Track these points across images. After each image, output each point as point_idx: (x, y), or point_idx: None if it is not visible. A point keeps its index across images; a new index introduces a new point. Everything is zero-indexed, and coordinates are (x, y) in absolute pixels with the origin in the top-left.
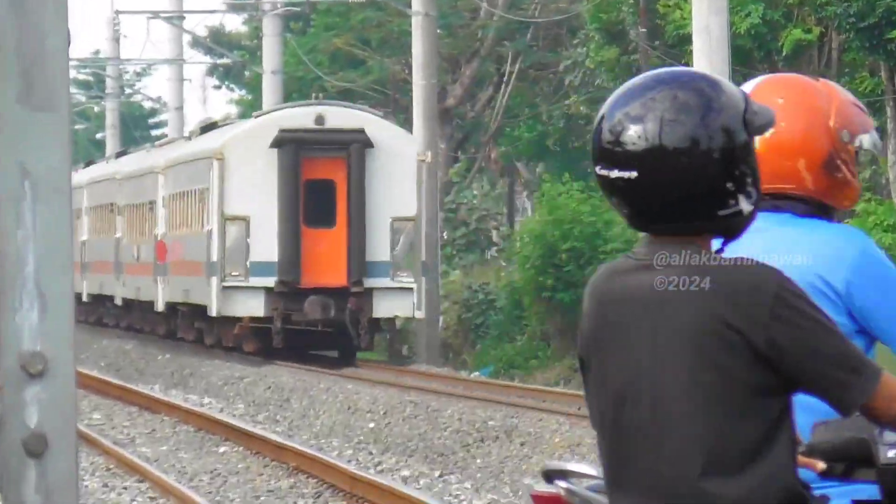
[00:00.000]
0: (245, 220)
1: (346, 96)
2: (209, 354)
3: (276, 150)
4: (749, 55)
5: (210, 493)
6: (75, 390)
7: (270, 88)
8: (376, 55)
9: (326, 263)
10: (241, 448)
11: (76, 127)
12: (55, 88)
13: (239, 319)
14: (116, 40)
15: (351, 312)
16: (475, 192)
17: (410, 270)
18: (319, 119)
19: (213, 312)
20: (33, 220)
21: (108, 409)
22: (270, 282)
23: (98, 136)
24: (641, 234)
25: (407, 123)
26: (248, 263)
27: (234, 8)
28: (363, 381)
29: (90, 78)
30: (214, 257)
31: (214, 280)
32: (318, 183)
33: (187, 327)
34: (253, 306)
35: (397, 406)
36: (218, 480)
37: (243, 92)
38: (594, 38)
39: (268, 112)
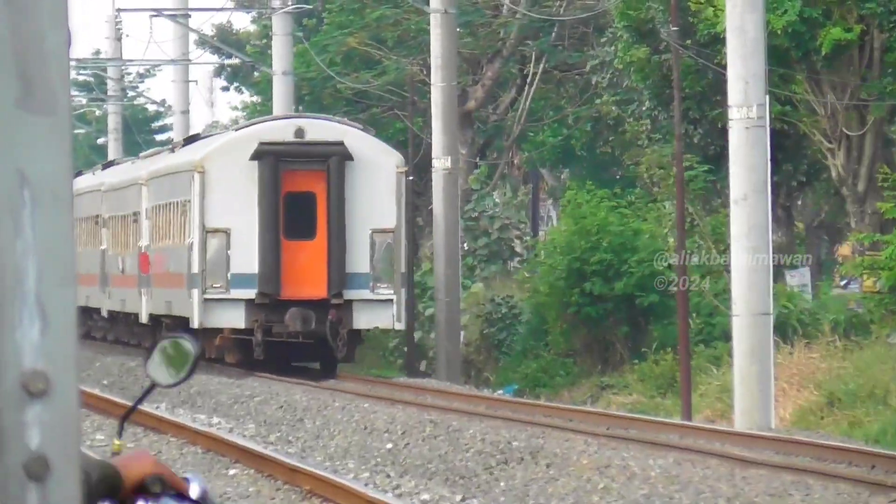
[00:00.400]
0: (226, 233)
1: (361, 98)
2: (218, 372)
3: (256, 163)
4: (786, 55)
5: None
6: (79, 410)
7: (281, 90)
8: (392, 55)
9: (307, 275)
10: (251, 470)
11: (76, 131)
12: (55, 90)
13: (220, 331)
14: (118, 39)
15: (331, 324)
16: (497, 200)
17: (390, 282)
18: (299, 132)
19: (195, 325)
20: (33, 230)
21: (111, 430)
22: (251, 294)
23: (99, 140)
24: None
25: (425, 127)
26: (228, 276)
27: (243, 5)
28: (380, 400)
29: (91, 79)
30: (196, 269)
31: (196, 292)
32: (298, 195)
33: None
34: (234, 318)
35: (416, 426)
36: None
37: (252, 94)
38: (622, 36)
39: (248, 125)
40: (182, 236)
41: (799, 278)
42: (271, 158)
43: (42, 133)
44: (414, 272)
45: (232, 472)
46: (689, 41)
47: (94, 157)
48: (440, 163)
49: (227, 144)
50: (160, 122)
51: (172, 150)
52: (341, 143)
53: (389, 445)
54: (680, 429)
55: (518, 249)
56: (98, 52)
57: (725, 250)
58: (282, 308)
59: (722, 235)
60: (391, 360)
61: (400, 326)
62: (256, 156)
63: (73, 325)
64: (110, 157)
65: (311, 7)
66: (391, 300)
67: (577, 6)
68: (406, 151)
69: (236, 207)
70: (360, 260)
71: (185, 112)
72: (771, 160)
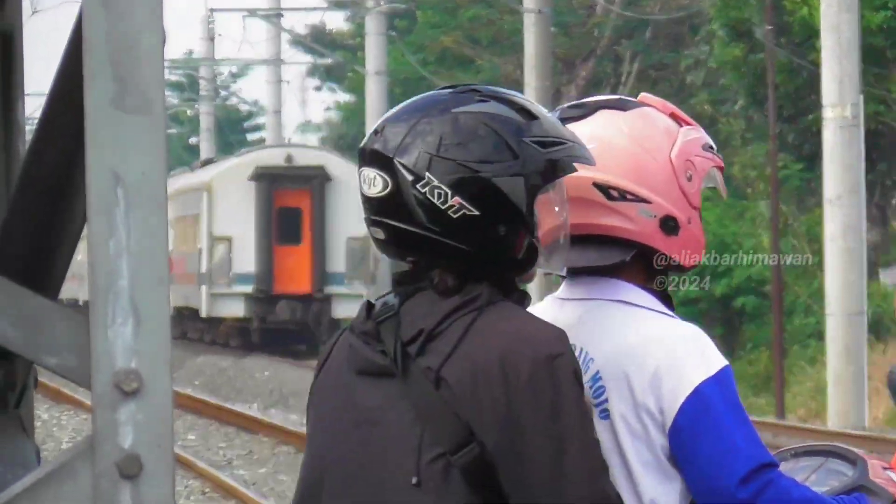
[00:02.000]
0: (229, 240)
1: None
2: (310, 372)
3: (253, 183)
4: (882, 54)
5: None
6: (172, 410)
7: (374, 90)
8: (486, 55)
9: (294, 274)
10: None
11: (169, 131)
12: (150, 91)
13: (223, 320)
14: (211, 39)
15: (314, 314)
16: None
17: (362, 280)
18: (289, 158)
19: (204, 314)
20: (127, 230)
21: (203, 430)
22: (249, 289)
23: (192, 140)
24: None
25: None
26: (231, 274)
27: (336, 5)
28: None
29: (183, 80)
30: (204, 270)
31: (204, 288)
32: (288, 210)
33: (187, 327)
34: (235, 309)
35: None
36: None
37: (345, 94)
38: (718, 35)
39: (247, 152)
40: (195, 242)
41: (893, 277)
42: (266, 179)
43: (136, 133)
44: None
45: None
46: (783, 39)
47: (186, 156)
48: None
49: (231, 168)
50: (253, 122)
51: (192, 170)
52: (322, 168)
53: None
54: (773, 427)
55: None
56: (191, 53)
57: (819, 250)
58: (274, 301)
59: (816, 235)
60: None
61: None
62: (254, 177)
63: (166, 324)
64: (202, 156)
65: (404, 6)
66: (363, 295)
67: (672, 6)
68: None
69: (237, 219)
70: (338, 261)
71: (278, 112)
72: (866, 159)
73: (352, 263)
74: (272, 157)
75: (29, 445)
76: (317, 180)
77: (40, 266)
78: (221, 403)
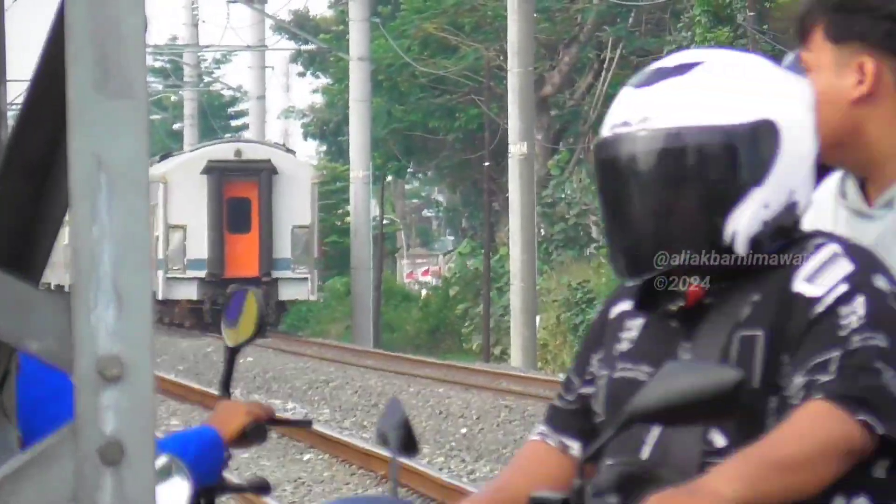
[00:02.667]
0: (183, 228)
1: (437, 84)
2: (293, 358)
3: (205, 176)
4: None
5: (294, 502)
6: (154, 395)
7: (357, 76)
8: (469, 41)
9: (244, 260)
10: (326, 455)
11: (153, 117)
12: (132, 75)
13: (178, 302)
14: (194, 25)
15: (262, 296)
16: (573, 186)
17: (306, 265)
18: (238, 153)
19: (160, 297)
20: (109, 215)
21: (186, 415)
22: (202, 274)
23: (175, 126)
24: None
25: (501, 113)
26: (185, 260)
27: None
28: (455, 385)
29: (167, 65)
30: (161, 256)
31: (161, 273)
32: (237, 200)
33: None
34: (189, 292)
35: (491, 411)
36: (302, 489)
37: (328, 80)
38: (700, 21)
39: (199, 147)
40: (153, 230)
41: None
42: (217, 172)
43: (119, 118)
44: (491, 257)
45: (307, 456)
46: (765, 26)
47: (170, 142)
48: (516, 148)
49: (185, 162)
50: (236, 108)
51: (150, 165)
52: (269, 161)
53: (464, 430)
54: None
55: (594, 235)
56: (174, 39)
57: None
58: (225, 284)
59: None
60: (467, 346)
61: (314, 298)
62: (206, 170)
63: (148, 309)
64: (186, 142)
65: None
66: (307, 278)
67: None
68: (482, 137)
69: (191, 209)
70: (283, 248)
71: (262, 98)
72: None
73: (296, 250)
74: (223, 152)
75: (10, 431)
76: (264, 173)
77: (22, 251)
78: (205, 389)
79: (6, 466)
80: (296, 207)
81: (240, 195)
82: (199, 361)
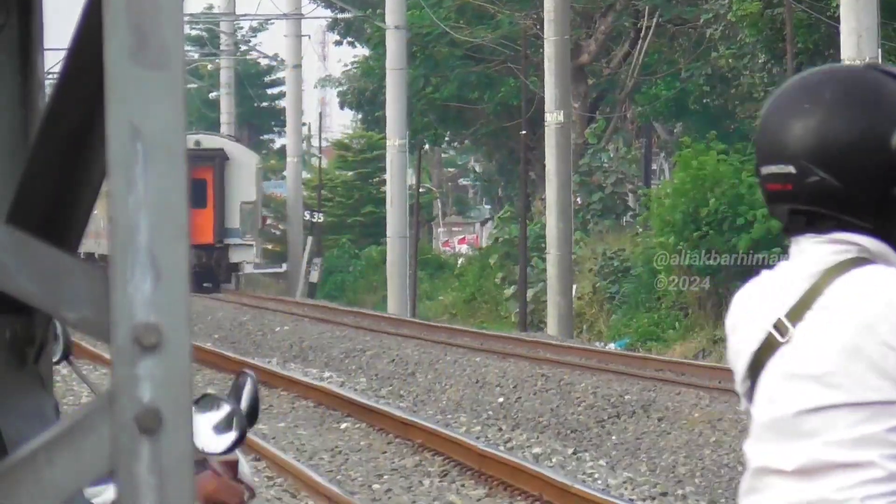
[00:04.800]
0: None
1: (474, 53)
2: (330, 327)
3: None
4: None
5: (331, 471)
6: (191, 364)
7: (394, 45)
8: (506, 9)
9: (202, 229)
10: (363, 424)
11: (189, 86)
12: (169, 44)
13: None
14: None
15: (216, 259)
16: (610, 155)
17: (251, 234)
18: (197, 143)
19: None
20: (145, 185)
21: (223, 384)
22: None
23: (212, 95)
24: None
25: (538, 81)
26: None
27: None
28: (491, 354)
29: (203, 34)
30: None
31: None
32: (196, 181)
33: None
34: None
35: (528, 379)
36: (339, 458)
37: (365, 49)
38: None
39: None
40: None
41: None
42: None
43: (155, 87)
44: (527, 225)
45: (343, 425)
46: None
47: (206, 111)
48: (553, 117)
49: None
50: (272, 77)
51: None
52: (222, 150)
53: (501, 399)
54: None
55: (631, 204)
56: (211, 7)
57: None
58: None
59: None
60: (504, 315)
61: (258, 261)
62: None
63: (185, 278)
64: (223, 111)
65: None
66: (252, 245)
67: None
68: (518, 106)
69: None
70: (233, 220)
71: (298, 66)
72: None
73: (244, 222)
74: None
75: (48, 400)
76: (218, 159)
77: (59, 220)
78: (241, 357)
79: (44, 435)
80: (243, 187)
81: (198, 177)
82: (234, 330)
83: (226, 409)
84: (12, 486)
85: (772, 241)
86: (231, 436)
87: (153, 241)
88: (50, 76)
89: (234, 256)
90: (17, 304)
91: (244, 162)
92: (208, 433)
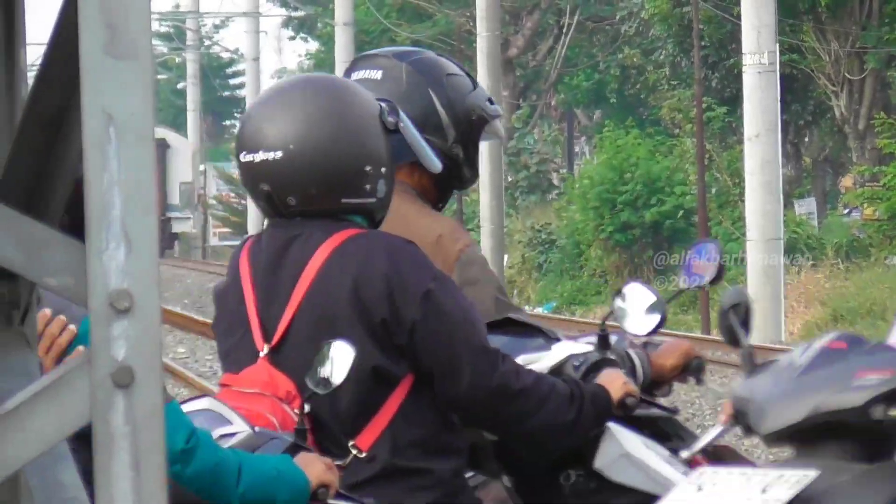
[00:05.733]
0: None
1: (415, 46)
2: None
3: None
4: (795, 6)
5: None
6: (160, 326)
7: (342, 40)
8: (442, 8)
9: None
10: None
11: (159, 77)
12: (137, 38)
13: None
14: None
15: (160, 230)
16: (536, 138)
17: (189, 209)
18: None
19: None
20: (118, 165)
21: (191, 344)
22: None
23: (179, 85)
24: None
25: (471, 72)
26: None
27: None
28: None
29: (171, 31)
30: None
31: None
32: None
33: None
34: None
35: None
36: None
37: (317, 44)
38: None
39: None
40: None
41: (806, 207)
42: None
43: (126, 76)
44: (463, 203)
45: None
46: None
47: (174, 100)
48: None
49: None
50: (233, 69)
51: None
52: (165, 139)
53: None
54: (700, 341)
55: (555, 182)
56: (177, 6)
57: (740, 182)
58: None
59: (737, 170)
60: None
61: (195, 230)
62: None
63: (154, 249)
64: (189, 100)
65: None
66: (189, 217)
67: None
68: None
69: None
70: (174, 197)
71: (256, 59)
72: (781, 101)
73: (182, 198)
74: None
75: (32, 358)
76: (161, 147)
77: (41, 196)
78: (207, 320)
79: (28, 390)
80: (182, 170)
81: None
82: (202, 296)
83: (653, 297)
84: (1, 436)
85: (679, 216)
86: (655, 318)
87: (125, 215)
88: (31, 68)
89: (176, 227)
90: (3, 271)
91: (182, 149)
92: (638, 316)
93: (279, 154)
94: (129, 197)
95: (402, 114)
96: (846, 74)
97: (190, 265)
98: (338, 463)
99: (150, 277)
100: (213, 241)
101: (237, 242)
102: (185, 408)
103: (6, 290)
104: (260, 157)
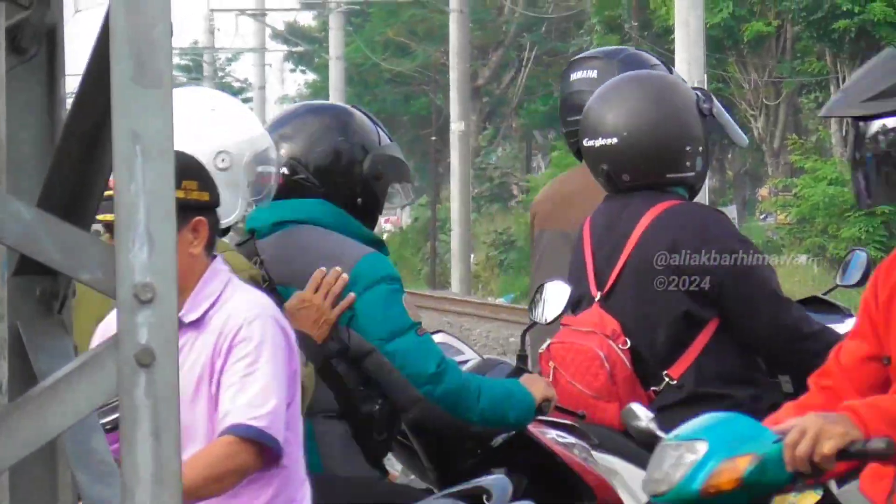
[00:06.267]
0: None
1: (397, 77)
2: None
3: None
4: (720, 44)
5: None
6: (177, 314)
7: (335, 72)
8: (421, 45)
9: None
10: None
11: None
12: (161, 69)
13: None
14: (211, 32)
15: None
16: (499, 154)
17: None
18: None
19: None
20: (143, 177)
21: None
22: None
23: None
24: None
25: (445, 99)
26: None
27: (306, 6)
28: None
29: (190, 63)
30: None
31: None
32: None
33: None
34: None
35: (435, 326)
36: None
37: (314, 75)
38: (597, 29)
39: None
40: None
41: (729, 213)
42: None
43: (151, 102)
44: (437, 210)
45: None
46: (647, 32)
47: None
48: (456, 126)
49: None
50: (243, 96)
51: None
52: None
53: None
54: None
55: (515, 192)
56: (196, 42)
57: None
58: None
59: None
60: (417, 276)
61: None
62: None
63: (173, 247)
64: None
65: (359, 7)
66: None
67: (562, 6)
68: (430, 118)
69: None
70: None
71: (262, 88)
72: None
73: None
74: None
75: (68, 342)
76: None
77: (77, 204)
78: None
79: (64, 369)
80: None
81: None
82: None
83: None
84: (41, 407)
85: None
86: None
87: (148, 220)
88: (69, 95)
89: None
90: (45, 268)
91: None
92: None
93: (615, 140)
94: (152, 204)
95: (714, 100)
96: (764, 100)
97: None
98: (652, 389)
99: (170, 273)
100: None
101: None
102: None
103: (48, 285)
104: (599, 142)
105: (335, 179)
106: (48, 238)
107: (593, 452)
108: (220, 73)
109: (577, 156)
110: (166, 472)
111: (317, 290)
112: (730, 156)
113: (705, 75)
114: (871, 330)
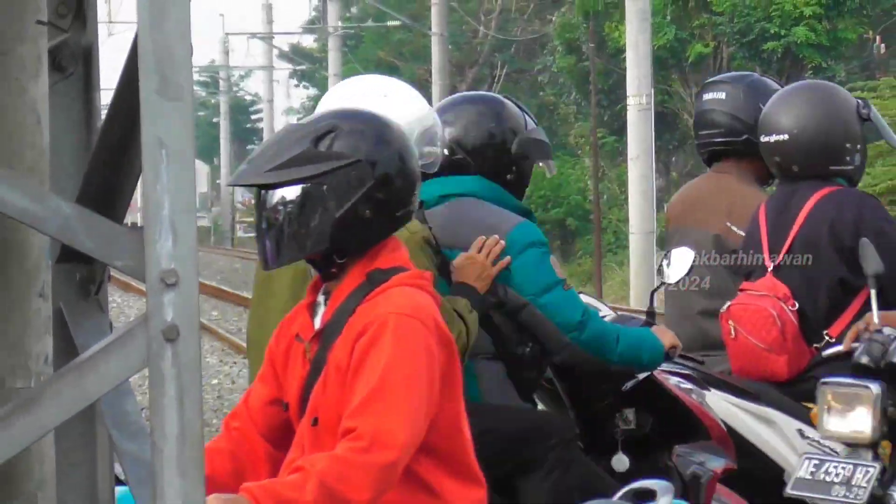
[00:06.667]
0: None
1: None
2: None
3: None
4: (665, 62)
5: None
6: (198, 295)
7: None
8: (408, 64)
9: None
10: None
11: (198, 114)
12: (183, 84)
13: None
14: (226, 53)
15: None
16: None
17: (203, 211)
18: None
19: None
20: (167, 178)
21: (223, 309)
22: None
23: (213, 120)
24: None
25: None
26: None
27: (309, 30)
28: None
29: (208, 79)
30: None
31: None
32: None
33: None
34: None
35: None
36: None
37: (315, 90)
38: (558, 50)
39: None
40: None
41: None
42: None
43: (174, 113)
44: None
45: None
46: (601, 53)
47: (210, 130)
48: None
49: None
50: (254, 108)
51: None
52: None
53: None
54: None
55: None
56: (213, 61)
57: (625, 191)
58: None
59: (623, 181)
60: None
61: (209, 224)
62: None
63: (193, 238)
64: (221, 131)
65: (353, 31)
66: (205, 217)
67: (529, 30)
68: None
69: None
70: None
71: (270, 101)
72: (654, 132)
73: (199, 203)
74: None
75: (105, 320)
76: None
77: (111, 201)
78: (235, 291)
79: (101, 342)
80: (199, 183)
81: None
82: (230, 273)
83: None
84: (81, 377)
85: (579, 214)
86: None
87: (172, 214)
88: (104, 107)
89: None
90: (84, 256)
91: (199, 170)
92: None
93: (786, 136)
94: (175, 201)
95: (871, 107)
96: None
97: (221, 251)
98: (815, 346)
99: (191, 260)
100: (240, 233)
101: (255, 234)
102: None
103: (86, 271)
104: (773, 138)
105: (488, 159)
106: (86, 230)
107: (706, 396)
108: (234, 88)
109: (707, 163)
110: (189, 432)
111: (479, 251)
112: (674, 159)
113: (652, 90)
114: (272, 376)
